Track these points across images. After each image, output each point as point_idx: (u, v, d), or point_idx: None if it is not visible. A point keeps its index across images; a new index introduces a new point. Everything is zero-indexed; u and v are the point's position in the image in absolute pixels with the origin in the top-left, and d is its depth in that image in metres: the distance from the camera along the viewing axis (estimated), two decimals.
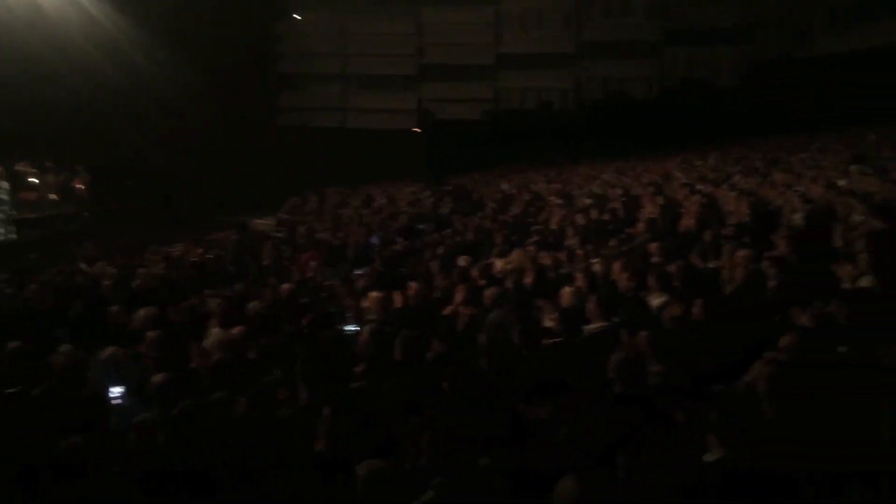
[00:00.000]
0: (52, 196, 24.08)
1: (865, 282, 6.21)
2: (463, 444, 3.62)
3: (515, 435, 4.06)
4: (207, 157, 30.77)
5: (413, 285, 8.93)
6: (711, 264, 8.34)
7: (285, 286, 10.19)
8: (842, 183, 13.60)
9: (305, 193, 27.77)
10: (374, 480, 3.28)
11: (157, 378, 5.29)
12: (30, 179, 23.66)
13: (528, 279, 8.81)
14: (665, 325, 5.36)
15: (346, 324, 7.95)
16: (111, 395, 5.76)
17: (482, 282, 8.67)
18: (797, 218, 10.62)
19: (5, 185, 20.85)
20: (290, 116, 40.39)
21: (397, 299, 8.63)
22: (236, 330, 7.32)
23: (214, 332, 7.46)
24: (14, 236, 20.49)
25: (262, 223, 20.82)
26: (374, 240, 15.79)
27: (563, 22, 38.41)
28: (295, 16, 40.98)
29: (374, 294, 8.42)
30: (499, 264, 10.35)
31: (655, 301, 6.48)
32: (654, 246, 9.25)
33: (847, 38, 29.90)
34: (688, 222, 11.67)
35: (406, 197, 24.72)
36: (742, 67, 35.15)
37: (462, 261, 10.98)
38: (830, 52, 30.41)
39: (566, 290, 6.90)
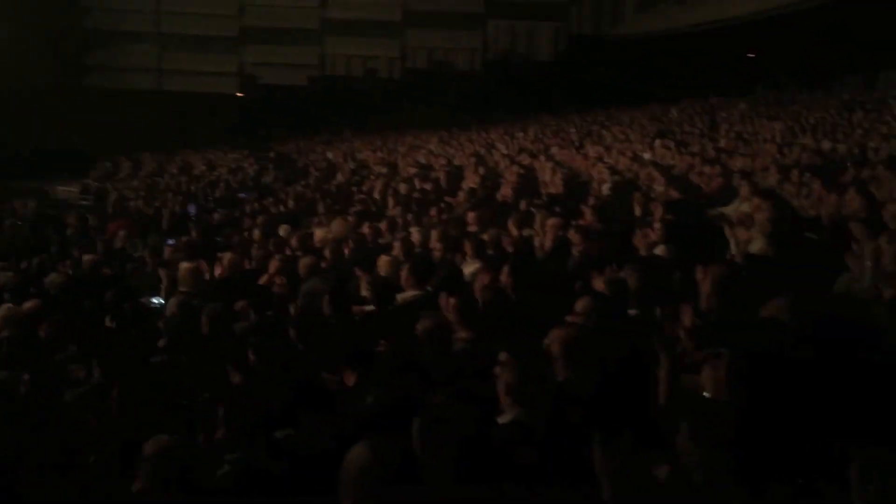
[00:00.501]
0: None
1: (660, 250, 6.61)
2: (260, 417, 3.54)
3: (320, 405, 4.01)
4: (6, 117, 28.28)
5: (227, 256, 8.63)
6: (526, 233, 8.60)
7: (88, 257, 9.58)
8: (647, 156, 14.46)
9: (118, 159, 26.26)
10: (160, 457, 3.13)
11: None
12: None
13: (347, 249, 8.74)
14: (475, 293, 5.46)
15: (155, 296, 7.56)
16: None
17: (299, 252, 8.51)
18: (605, 189, 11.16)
19: None
20: (100, 76, 37.74)
21: (214, 270, 8.33)
22: (28, 304, 6.80)
23: (3, 308, 6.88)
24: None
25: (66, 190, 19.44)
26: (191, 209, 15.19)
27: None
28: None
29: (184, 265, 8.05)
30: (319, 234, 10.21)
31: (468, 269, 6.61)
32: (471, 215, 9.42)
33: (655, 20, 31.70)
34: (506, 192, 11.97)
35: (227, 164, 23.95)
36: (560, 43, 36.50)
37: (282, 230, 10.75)
38: (640, 32, 32.16)
39: (382, 260, 6.89)
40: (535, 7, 36.78)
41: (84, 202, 17.36)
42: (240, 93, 38.06)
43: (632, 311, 4.70)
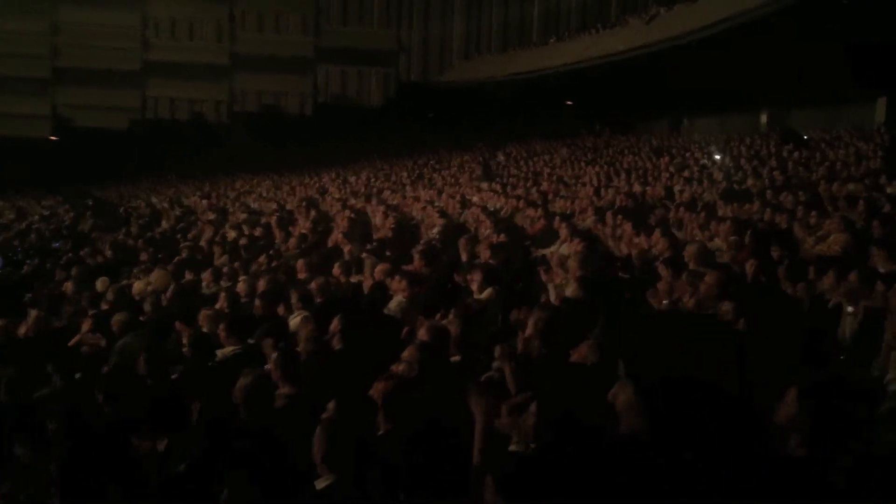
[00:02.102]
0: None
1: (486, 294, 6.75)
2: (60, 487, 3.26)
3: (132, 471, 3.76)
4: None
5: (33, 313, 8.01)
6: (354, 279, 8.55)
7: None
8: (475, 199, 14.88)
9: None
10: None
11: None
12: None
13: (168, 301, 8.35)
14: (299, 345, 5.34)
15: None
16: None
17: (115, 306, 8.03)
18: (434, 232, 11.33)
19: None
20: None
21: (20, 330, 7.72)
22: None
23: None
24: None
25: None
26: None
27: (215, 33, 37.45)
28: None
29: None
30: (138, 286, 9.70)
31: (294, 319, 6.47)
32: (300, 262, 9.27)
33: (479, 69, 32.94)
34: (337, 237, 11.90)
35: (40, 212, 22.45)
36: (390, 89, 37.13)
37: (99, 283, 10.12)
38: (466, 79, 33.30)
39: (203, 313, 6.62)
40: (364, 53, 37.27)
41: None
42: (53, 136, 35.89)
43: (454, 358, 4.74)
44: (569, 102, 29.27)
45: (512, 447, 3.23)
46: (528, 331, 4.64)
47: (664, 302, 5.15)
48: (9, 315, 8.33)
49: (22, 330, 7.88)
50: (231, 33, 37.50)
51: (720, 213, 9.58)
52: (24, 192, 27.07)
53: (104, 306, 8.53)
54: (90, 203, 24.13)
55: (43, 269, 12.75)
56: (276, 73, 37.15)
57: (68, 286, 10.24)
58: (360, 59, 37.32)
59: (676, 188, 12.92)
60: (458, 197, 15.20)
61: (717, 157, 16.63)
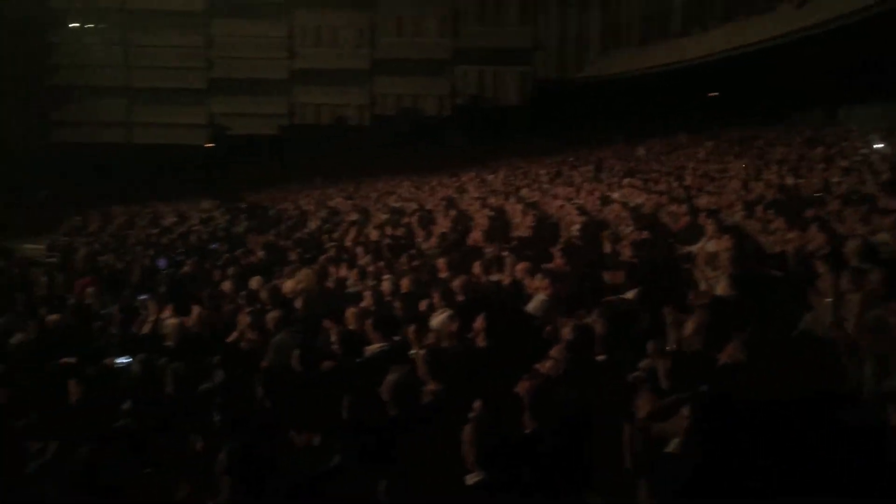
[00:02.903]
0: None
1: (630, 294, 6.62)
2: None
3: (290, 464, 3.93)
4: None
5: (196, 310, 8.54)
6: (494, 277, 8.59)
7: (52, 317, 9.41)
8: (615, 195, 14.60)
9: (87, 213, 26.05)
10: None
11: None
12: None
13: (316, 299, 8.67)
14: (443, 342, 5.43)
15: (116, 356, 7.43)
16: None
17: (269, 304, 8.43)
18: (574, 230, 11.21)
19: None
20: (66, 132, 37.58)
21: (173, 324, 8.24)
22: None
23: None
24: None
25: (32, 248, 19.16)
26: (161, 262, 15.03)
27: (357, 39, 38.59)
28: (72, 25, 38.31)
29: (171, 320, 8.01)
30: (289, 285, 10.13)
31: (437, 317, 6.57)
32: (441, 261, 9.41)
33: (618, 63, 32.29)
34: (476, 236, 11.99)
35: (198, 215, 23.81)
36: (527, 87, 36.99)
37: (253, 282, 10.64)
38: (604, 74, 32.72)
39: (350, 312, 6.84)
40: (501, 53, 37.30)
41: (51, 259, 17.11)
42: (209, 143, 38.05)
43: (600, 357, 4.69)
44: (713, 94, 28.23)
45: (667, 449, 3.16)
46: (689, 329, 4.54)
47: (827, 300, 4.87)
48: (176, 312, 8.92)
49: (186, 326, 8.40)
50: (371, 39, 38.53)
51: (881, 205, 8.97)
52: (184, 198, 28.76)
53: (258, 304, 8.97)
54: (243, 206, 25.42)
55: (202, 269, 13.53)
56: (415, 76, 37.85)
57: (227, 285, 10.81)
58: (496, 59, 37.41)
59: (833, 180, 12.20)
60: (597, 194, 14.97)
61: (879, 146, 15.59)
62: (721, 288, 5.69)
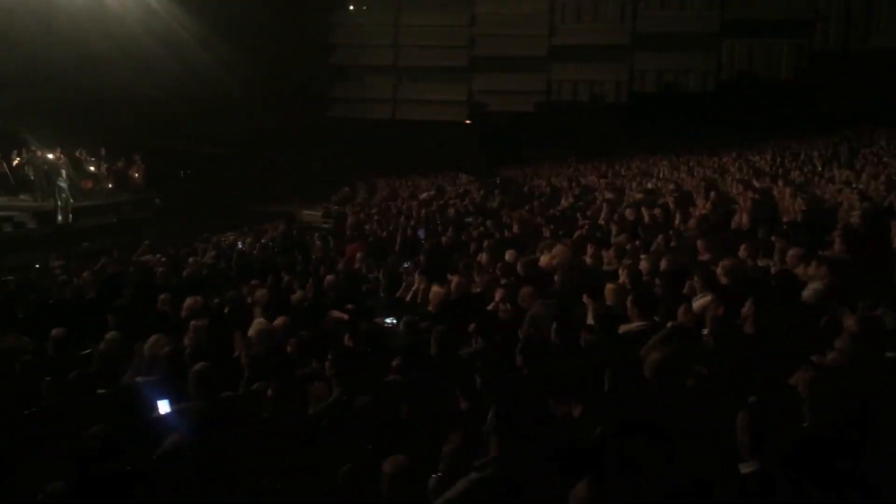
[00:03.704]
0: (109, 184, 24.78)
1: None
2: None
3: (552, 432, 3.98)
4: (258, 148, 31.22)
5: (454, 279, 8.89)
6: (761, 262, 8.11)
7: (329, 277, 10.25)
8: None
9: (356, 185, 27.99)
10: (398, 477, 3.26)
11: (196, 367, 5.33)
12: (88, 168, 24.38)
13: (571, 275, 8.68)
14: (708, 326, 5.22)
15: (385, 316, 7.93)
16: (158, 410, 5.33)
17: (525, 277, 8.59)
18: (854, 217, 10.27)
19: (65, 172, 21.41)
20: (341, 108, 40.65)
21: (437, 292, 8.62)
22: (278, 321, 7.38)
23: (257, 322, 7.51)
24: (71, 219, 20.97)
25: (311, 214, 20.97)
26: (421, 232, 15.78)
27: (618, 13, 37.83)
28: (350, 7, 41.26)
29: (435, 288, 8.45)
30: (544, 259, 10.24)
31: (699, 301, 6.31)
32: (701, 243, 9.04)
33: None
34: (741, 219, 11.39)
35: (455, 189, 24.70)
36: (801, 60, 34.24)
37: (508, 255, 10.88)
38: (890, 46, 29.46)
39: (609, 287, 6.76)
40: (775, 25, 34.74)
41: (326, 225, 18.58)
42: (468, 120, 39.29)
43: (889, 354, 4.26)
44: None
45: None
46: None
47: None
48: (434, 280, 9.35)
49: (441, 293, 8.78)
50: (633, 13, 37.59)
51: None
52: (442, 172, 29.97)
53: (512, 277, 9.15)
54: (498, 182, 26.02)
55: (459, 241, 14.06)
56: (678, 51, 36.39)
57: (483, 257, 11.15)
58: (768, 31, 34.95)
59: None
60: (882, 178, 13.57)
61: None
62: None
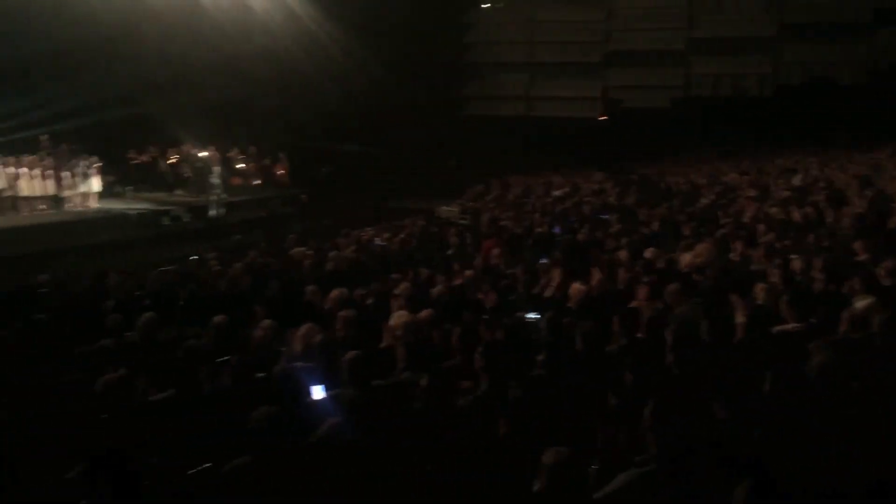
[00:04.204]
0: (256, 181, 26.21)
1: None
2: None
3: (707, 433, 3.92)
4: (396, 146, 31.93)
5: (596, 275, 8.83)
6: None
7: (468, 273, 10.38)
8: None
9: (489, 181, 28.13)
10: (560, 468, 3.28)
11: (350, 355, 5.54)
12: (238, 166, 25.83)
13: (717, 274, 8.46)
14: (873, 330, 4.97)
15: (526, 311, 7.96)
16: (313, 395, 5.50)
17: (667, 275, 8.44)
18: None
19: (217, 169, 22.78)
20: (475, 105, 40.93)
21: (579, 289, 8.57)
22: (424, 313, 7.53)
23: (399, 315, 7.68)
24: (223, 213, 22.23)
25: (448, 210, 21.25)
26: (557, 229, 15.72)
27: (761, 3, 36.19)
28: (484, 5, 41.47)
29: (577, 286, 8.44)
30: (686, 258, 10.02)
31: (860, 303, 6.01)
32: (859, 243, 8.61)
33: None
34: None
35: (590, 186, 24.42)
36: None
37: (647, 253, 10.71)
38: None
39: (760, 287, 6.56)
40: None
41: (463, 221, 18.75)
42: (603, 116, 38.70)
43: None
44: None
45: None
46: None
47: None
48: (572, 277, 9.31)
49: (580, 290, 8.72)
50: (779, 3, 35.87)
51: None
52: (576, 169, 29.63)
53: (654, 275, 8.99)
54: (634, 179, 25.47)
55: (594, 238, 13.90)
56: (829, 42, 34.40)
57: (623, 254, 11.01)
58: None
59: None
60: None
61: None
62: None
